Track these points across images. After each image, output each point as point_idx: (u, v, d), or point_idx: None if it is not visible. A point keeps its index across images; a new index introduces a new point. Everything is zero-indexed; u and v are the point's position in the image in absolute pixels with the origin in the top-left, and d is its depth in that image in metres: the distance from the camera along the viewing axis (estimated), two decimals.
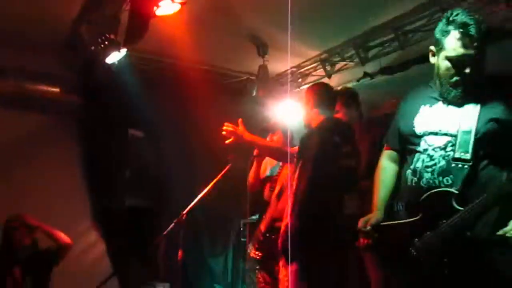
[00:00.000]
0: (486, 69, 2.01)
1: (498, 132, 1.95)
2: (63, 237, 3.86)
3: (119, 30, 3.98)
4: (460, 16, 1.94)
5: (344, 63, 5.17)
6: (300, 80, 5.64)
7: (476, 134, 1.93)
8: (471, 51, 1.91)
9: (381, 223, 2.15)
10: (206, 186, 3.79)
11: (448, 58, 1.97)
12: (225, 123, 3.36)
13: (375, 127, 3.44)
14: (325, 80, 5.22)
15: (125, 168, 4.89)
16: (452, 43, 1.95)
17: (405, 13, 4.35)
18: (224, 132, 3.37)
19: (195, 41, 4.51)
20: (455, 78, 1.98)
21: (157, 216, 4.94)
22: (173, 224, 3.49)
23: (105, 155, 4.77)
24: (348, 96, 3.51)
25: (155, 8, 3.43)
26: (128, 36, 3.87)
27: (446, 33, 1.98)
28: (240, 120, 3.39)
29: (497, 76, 2.09)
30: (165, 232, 3.47)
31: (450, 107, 2.04)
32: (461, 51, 1.93)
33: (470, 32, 1.89)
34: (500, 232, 1.85)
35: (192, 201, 3.74)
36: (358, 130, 3.36)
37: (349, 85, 5.16)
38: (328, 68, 5.29)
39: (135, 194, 4.90)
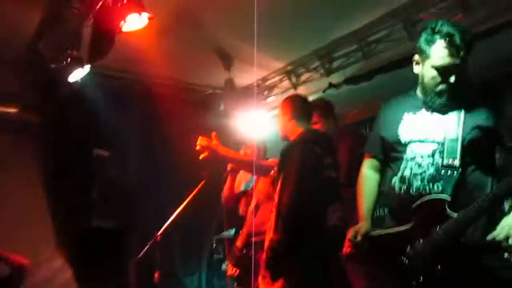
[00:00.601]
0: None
1: (482, 138, 2.00)
2: (19, 259, 3.56)
3: (82, 46, 3.85)
4: (446, 26, 1.98)
5: (310, 74, 5.22)
6: (266, 92, 5.65)
7: (462, 141, 1.97)
8: (457, 60, 1.96)
9: (371, 233, 2.15)
10: (178, 203, 3.70)
11: (435, 67, 2.01)
12: (200, 137, 3.27)
13: (350, 136, 3.47)
14: (291, 92, 5.26)
15: (91, 189, 4.70)
16: (439, 52, 1.99)
17: (367, 24, 4.45)
18: (198, 147, 3.27)
19: (160, 55, 4.42)
20: (441, 87, 2.02)
21: (127, 237, 4.76)
22: (148, 245, 3.37)
23: (69, 175, 4.56)
24: (324, 107, 3.53)
25: (121, 23, 3.32)
26: (92, 52, 3.74)
27: (431, 42, 2.02)
28: (214, 133, 3.31)
29: (477, 82, 2.14)
30: (140, 255, 3.34)
31: (435, 114, 2.08)
32: (447, 60, 1.97)
33: (455, 42, 1.94)
34: (490, 237, 1.88)
35: (164, 219, 3.65)
36: (335, 140, 3.38)
37: (315, 96, 5.22)
38: (293, 79, 5.33)
39: (102, 215, 4.71)
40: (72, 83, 4.00)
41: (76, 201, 4.57)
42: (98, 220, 4.67)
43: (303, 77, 5.29)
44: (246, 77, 5.33)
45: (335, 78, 5.13)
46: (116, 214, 4.81)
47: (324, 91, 5.20)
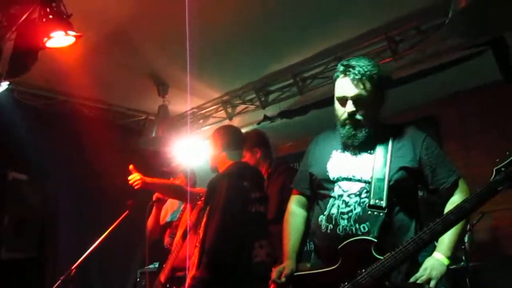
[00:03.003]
0: (381, 114, 2.13)
1: (407, 180, 2.01)
2: None
3: (2, 60, 3.58)
4: (351, 60, 2.08)
5: (245, 105, 5.22)
6: (201, 121, 5.56)
7: (389, 181, 1.97)
8: (355, 91, 2.03)
9: (296, 273, 2.07)
10: (99, 234, 3.46)
11: (337, 98, 2.12)
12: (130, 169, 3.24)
13: (284, 170, 3.42)
14: (226, 122, 5.21)
15: (3, 215, 4.28)
16: (338, 85, 2.10)
17: (303, 60, 4.54)
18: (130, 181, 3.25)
19: (92, 77, 4.22)
20: (343, 117, 2.09)
21: (42, 270, 4.36)
22: (59, 281, 3.09)
23: None
24: (257, 139, 3.47)
25: (45, 39, 3.11)
26: (12, 68, 3.48)
27: (337, 77, 2.12)
28: (131, 166, 3.28)
29: (402, 124, 2.17)
30: None
31: (363, 153, 2.07)
32: (346, 90, 2.05)
33: (353, 74, 2.02)
34: (412, 279, 1.87)
35: (84, 251, 3.38)
36: (267, 173, 3.32)
37: (250, 127, 5.21)
38: (229, 110, 5.30)
39: (15, 245, 4.29)
40: None
41: None
42: (10, 251, 4.24)
43: (239, 108, 5.27)
44: (181, 105, 5.23)
45: (270, 111, 5.17)
46: (31, 244, 4.42)
47: (258, 123, 5.21)
